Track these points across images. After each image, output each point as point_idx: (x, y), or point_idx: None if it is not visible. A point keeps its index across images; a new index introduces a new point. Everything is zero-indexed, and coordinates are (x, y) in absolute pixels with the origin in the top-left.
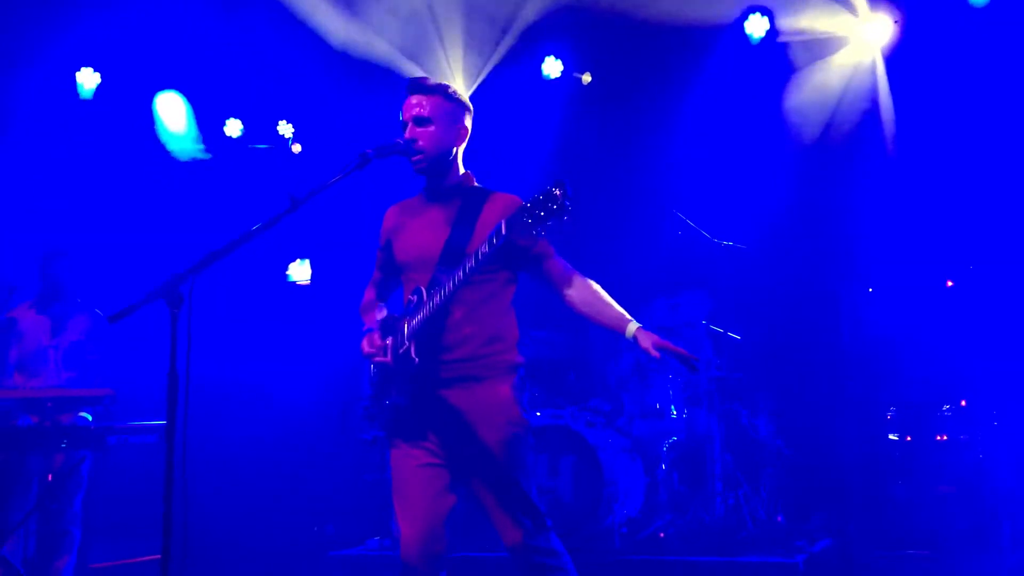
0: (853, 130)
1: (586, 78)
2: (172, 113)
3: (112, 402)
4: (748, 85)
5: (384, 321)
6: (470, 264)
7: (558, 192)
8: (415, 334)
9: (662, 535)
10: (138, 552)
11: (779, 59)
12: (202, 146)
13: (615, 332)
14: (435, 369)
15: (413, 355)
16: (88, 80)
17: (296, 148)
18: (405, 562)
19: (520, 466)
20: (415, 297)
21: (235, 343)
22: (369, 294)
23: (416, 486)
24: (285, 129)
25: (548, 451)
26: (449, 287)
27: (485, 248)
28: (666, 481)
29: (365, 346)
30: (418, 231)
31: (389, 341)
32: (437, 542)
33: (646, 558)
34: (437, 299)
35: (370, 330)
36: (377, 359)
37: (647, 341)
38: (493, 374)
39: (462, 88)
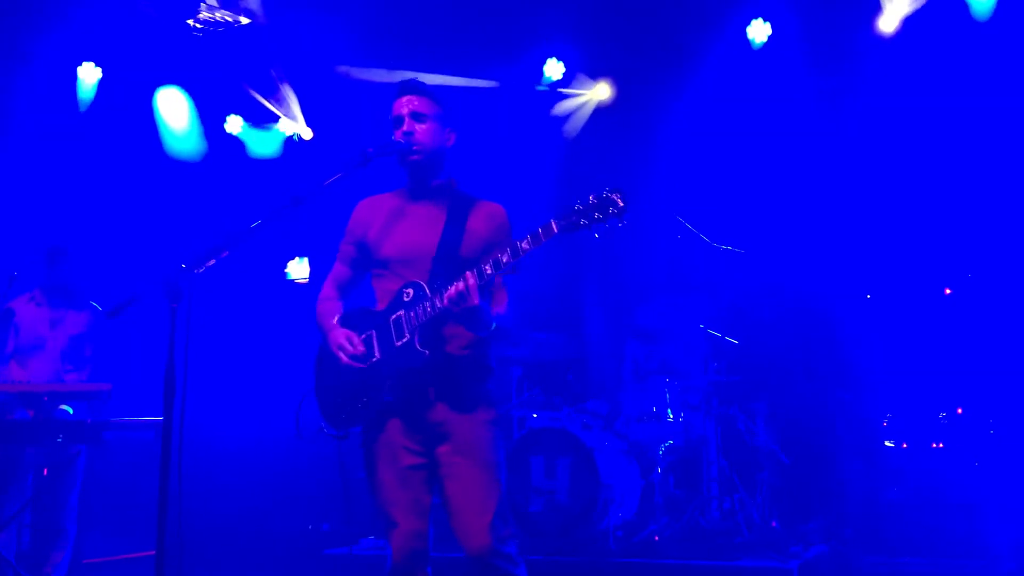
0: (853, 134)
1: (602, 94)
2: (173, 109)
3: (109, 397)
4: (748, 88)
5: (351, 318)
6: (506, 258)
7: (618, 198)
8: (420, 327)
9: (657, 538)
10: (132, 548)
11: (779, 63)
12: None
13: (614, 335)
14: (438, 361)
15: (419, 347)
16: (89, 75)
17: (307, 134)
18: (394, 561)
19: (501, 468)
20: (411, 290)
21: (233, 340)
22: (328, 292)
23: (404, 488)
24: (285, 126)
25: (545, 453)
26: (472, 281)
27: (526, 244)
28: (662, 484)
29: (346, 345)
30: (408, 228)
31: (374, 334)
32: (423, 540)
33: (641, 561)
34: (457, 290)
35: (340, 326)
36: (358, 361)
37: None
38: (478, 374)
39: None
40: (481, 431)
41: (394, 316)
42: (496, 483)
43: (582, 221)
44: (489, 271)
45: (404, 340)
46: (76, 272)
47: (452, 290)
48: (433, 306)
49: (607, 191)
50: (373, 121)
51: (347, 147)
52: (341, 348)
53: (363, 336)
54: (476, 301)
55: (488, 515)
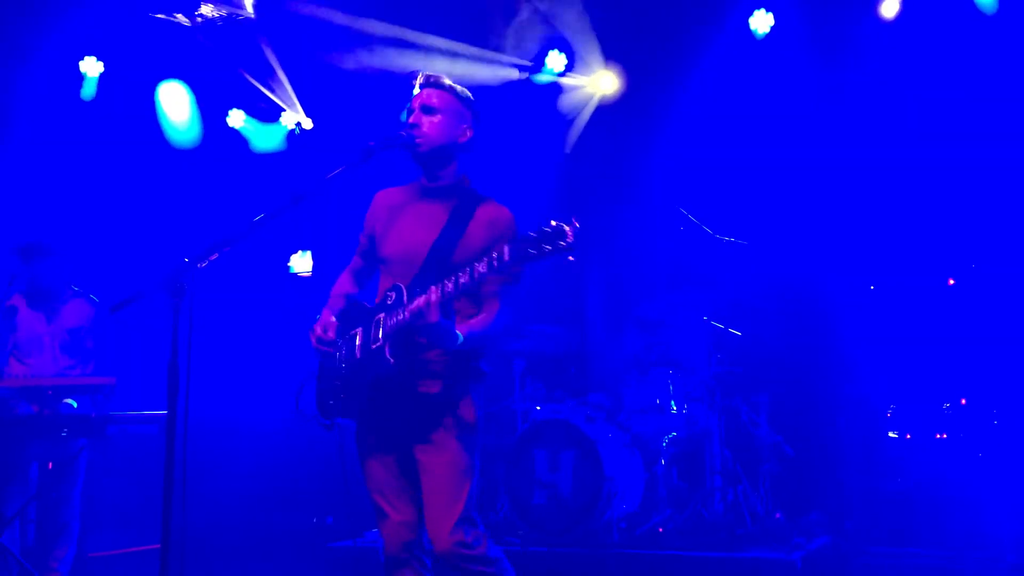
0: (856, 124)
1: (605, 86)
2: (175, 103)
3: (112, 391)
4: (751, 80)
5: (348, 310)
6: (464, 280)
7: (568, 230)
8: (392, 334)
9: (661, 530)
10: (137, 542)
11: (782, 54)
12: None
13: (617, 327)
14: (405, 369)
15: (388, 356)
16: (92, 69)
17: (308, 124)
18: (387, 553)
19: (472, 470)
20: (393, 294)
21: (237, 334)
22: (343, 281)
23: (390, 479)
24: (289, 120)
25: (548, 446)
26: (434, 297)
27: (483, 268)
28: (665, 476)
29: (318, 330)
30: (408, 227)
31: (359, 332)
32: (414, 531)
33: (645, 553)
34: (417, 305)
35: (329, 313)
36: (322, 349)
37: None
38: (455, 379)
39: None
40: (453, 435)
41: (376, 317)
42: (464, 485)
43: (530, 251)
44: (450, 288)
45: (377, 345)
46: (53, 273)
47: (414, 304)
48: (403, 316)
49: (558, 223)
50: (375, 112)
51: (353, 139)
52: (312, 331)
53: (352, 331)
54: (434, 319)
55: (451, 519)
